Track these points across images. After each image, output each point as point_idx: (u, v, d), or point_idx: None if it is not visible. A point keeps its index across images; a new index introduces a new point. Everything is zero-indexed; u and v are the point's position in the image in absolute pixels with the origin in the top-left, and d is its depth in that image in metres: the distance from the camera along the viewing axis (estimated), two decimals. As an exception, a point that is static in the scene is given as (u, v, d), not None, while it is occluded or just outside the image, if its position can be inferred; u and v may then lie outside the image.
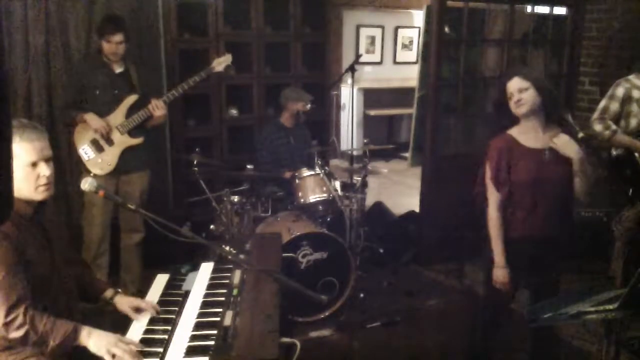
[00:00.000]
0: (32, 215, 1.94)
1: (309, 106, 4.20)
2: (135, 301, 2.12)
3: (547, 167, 2.39)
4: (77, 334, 1.83)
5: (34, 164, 1.86)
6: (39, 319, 1.81)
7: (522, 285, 2.62)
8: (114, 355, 1.77)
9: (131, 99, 3.43)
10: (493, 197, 2.49)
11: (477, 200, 2.63)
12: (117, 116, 3.41)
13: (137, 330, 1.99)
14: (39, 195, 1.90)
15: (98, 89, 3.39)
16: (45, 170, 1.88)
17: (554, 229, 2.46)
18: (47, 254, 1.97)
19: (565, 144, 2.35)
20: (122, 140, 3.41)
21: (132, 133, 3.44)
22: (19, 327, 1.78)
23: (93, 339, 1.83)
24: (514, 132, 2.47)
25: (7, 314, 1.77)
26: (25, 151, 1.84)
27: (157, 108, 3.39)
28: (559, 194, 2.42)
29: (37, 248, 1.93)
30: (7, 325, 1.78)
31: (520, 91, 2.37)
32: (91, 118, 3.32)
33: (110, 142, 3.39)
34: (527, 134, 2.44)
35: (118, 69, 3.45)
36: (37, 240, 1.94)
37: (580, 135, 2.25)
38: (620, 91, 3.54)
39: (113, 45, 3.35)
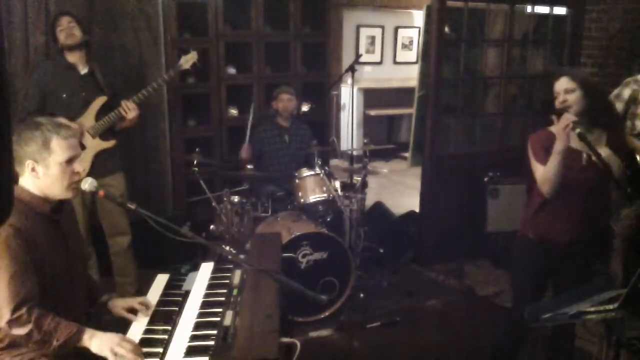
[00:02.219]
0: (48, 213, 1.95)
1: (291, 98, 4.13)
2: (128, 302, 2.13)
3: (584, 170, 2.36)
4: (80, 335, 1.84)
5: (69, 161, 1.92)
6: (44, 318, 1.82)
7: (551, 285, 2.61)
8: (117, 355, 1.78)
9: (100, 100, 3.30)
10: (538, 169, 2.42)
11: (528, 192, 2.62)
12: (87, 119, 3.28)
13: (137, 330, 1.99)
14: (70, 192, 1.95)
15: (64, 92, 3.26)
16: (79, 167, 1.96)
17: (585, 233, 2.44)
18: (61, 252, 1.98)
19: (609, 158, 2.31)
20: (94, 144, 3.30)
21: (103, 136, 3.33)
22: (23, 325, 1.79)
23: (95, 341, 1.83)
24: (554, 129, 2.43)
25: (13, 311, 1.77)
26: (62, 149, 1.90)
27: (130, 109, 3.28)
28: (593, 200, 2.39)
29: (51, 246, 1.93)
30: (11, 322, 1.78)
31: (566, 92, 2.32)
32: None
33: (82, 146, 3.24)
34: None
35: (83, 70, 3.33)
36: (51, 238, 1.95)
37: (578, 131, 2.24)
38: (626, 92, 3.53)
39: (65, 28, 3.23)
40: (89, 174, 3.20)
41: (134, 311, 2.09)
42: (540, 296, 2.61)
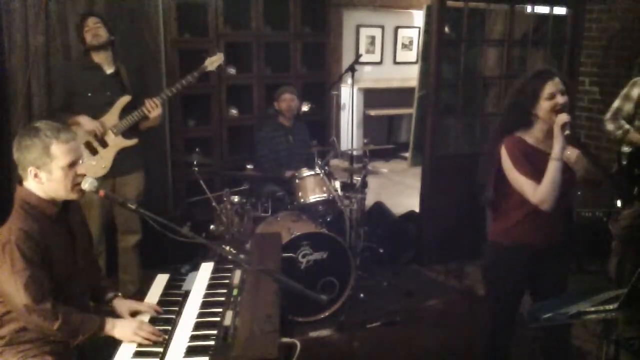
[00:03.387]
0: (57, 215, 1.97)
1: (294, 97, 4.14)
2: (134, 305, 2.14)
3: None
4: (103, 327, 1.91)
5: (71, 165, 1.93)
6: (70, 313, 1.87)
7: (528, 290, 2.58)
8: (140, 337, 1.87)
9: (124, 100, 3.36)
10: (528, 186, 2.27)
11: (480, 199, 2.56)
12: (111, 118, 3.34)
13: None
14: (74, 194, 1.97)
15: (90, 92, 3.33)
16: (82, 169, 1.97)
17: (558, 236, 2.40)
18: (70, 253, 2.01)
19: (578, 160, 2.30)
20: (116, 142, 3.36)
21: (126, 134, 3.38)
22: (52, 320, 1.83)
23: (117, 329, 1.91)
24: (522, 134, 2.35)
25: (35, 307, 1.81)
26: (63, 153, 1.91)
27: (153, 108, 3.34)
28: (563, 201, 2.35)
29: (61, 247, 1.97)
30: (40, 315, 1.82)
31: (562, 93, 2.25)
32: (85, 120, 3.26)
33: (104, 144, 3.33)
34: (537, 137, 2.33)
35: (109, 70, 3.39)
36: (61, 239, 1.98)
37: (567, 132, 2.22)
38: (635, 92, 3.51)
39: (92, 29, 3.29)
40: (111, 172, 3.34)
41: (136, 315, 2.11)
42: (518, 306, 2.55)
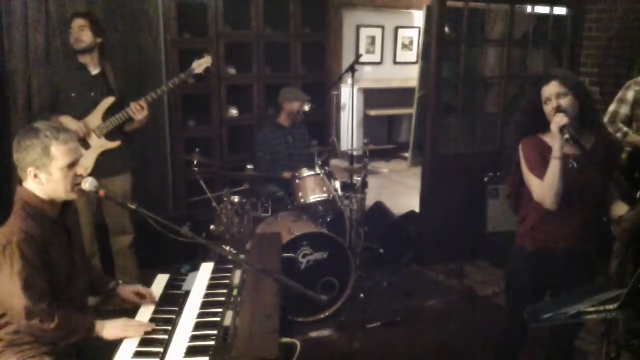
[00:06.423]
0: (57, 216, 1.98)
1: (307, 106, 4.19)
2: (136, 287, 2.22)
3: (573, 175, 2.27)
4: (94, 328, 1.94)
5: (71, 165, 1.94)
6: (65, 314, 1.88)
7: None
8: (128, 332, 1.91)
9: (108, 101, 3.33)
10: (535, 183, 2.30)
11: (511, 205, 2.56)
12: (94, 119, 3.31)
13: (137, 330, 1.99)
14: (74, 194, 1.98)
15: (73, 92, 3.30)
16: (81, 169, 1.98)
17: (582, 242, 2.37)
18: (68, 253, 2.02)
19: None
20: (99, 144, 3.32)
21: (109, 136, 3.34)
22: (48, 320, 1.84)
23: (106, 329, 1.94)
24: (542, 135, 2.35)
25: (33, 309, 1.82)
26: (63, 153, 1.91)
27: (139, 111, 3.29)
28: (587, 205, 2.33)
29: (60, 248, 1.98)
30: (35, 317, 1.83)
31: (558, 96, 2.23)
32: (67, 120, 3.21)
33: (86, 145, 3.27)
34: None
35: (94, 71, 3.36)
36: (60, 240, 1.99)
37: (566, 137, 2.21)
38: (630, 94, 3.53)
39: (75, 31, 3.26)
40: (92, 173, 3.20)
41: (140, 295, 2.18)
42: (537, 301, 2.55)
